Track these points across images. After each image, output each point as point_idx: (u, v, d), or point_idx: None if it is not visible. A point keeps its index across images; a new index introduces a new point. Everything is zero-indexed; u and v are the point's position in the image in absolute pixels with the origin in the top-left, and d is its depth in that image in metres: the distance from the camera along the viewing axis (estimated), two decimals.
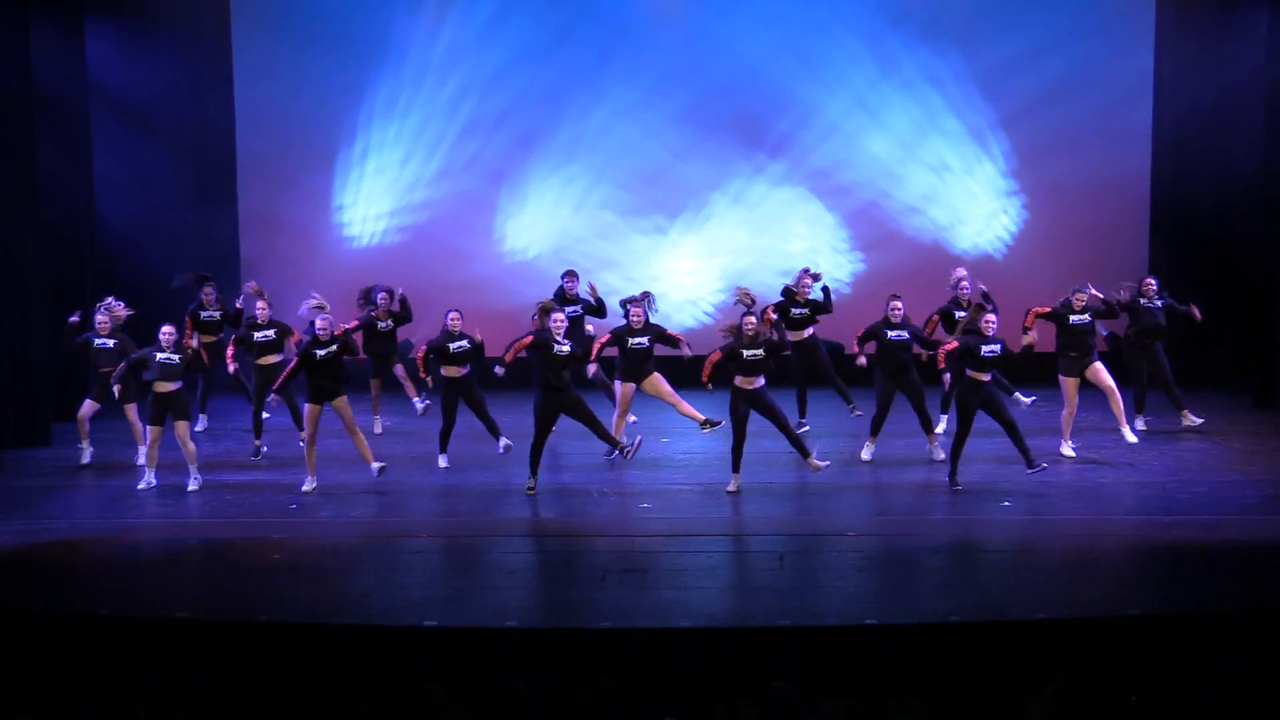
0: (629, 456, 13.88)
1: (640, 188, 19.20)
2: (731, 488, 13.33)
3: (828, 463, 13.62)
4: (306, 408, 13.69)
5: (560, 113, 19.06)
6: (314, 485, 13.68)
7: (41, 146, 16.32)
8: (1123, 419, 14.68)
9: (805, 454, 13.46)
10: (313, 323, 13.71)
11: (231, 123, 19.26)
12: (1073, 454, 14.45)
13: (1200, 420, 15.56)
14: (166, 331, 13.92)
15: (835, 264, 18.93)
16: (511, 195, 19.23)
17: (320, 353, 13.58)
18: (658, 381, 14.44)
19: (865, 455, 14.48)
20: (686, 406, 14.22)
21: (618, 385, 14.77)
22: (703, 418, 13.91)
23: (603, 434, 13.79)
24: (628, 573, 11.16)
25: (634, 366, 14.49)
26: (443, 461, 14.51)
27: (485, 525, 12.77)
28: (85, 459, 14.97)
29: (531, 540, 12.23)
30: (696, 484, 13.92)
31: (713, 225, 19.23)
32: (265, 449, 15.20)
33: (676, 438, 15.63)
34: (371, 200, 19.32)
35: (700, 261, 19.29)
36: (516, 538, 12.42)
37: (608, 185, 19.19)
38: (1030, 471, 13.28)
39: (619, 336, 14.51)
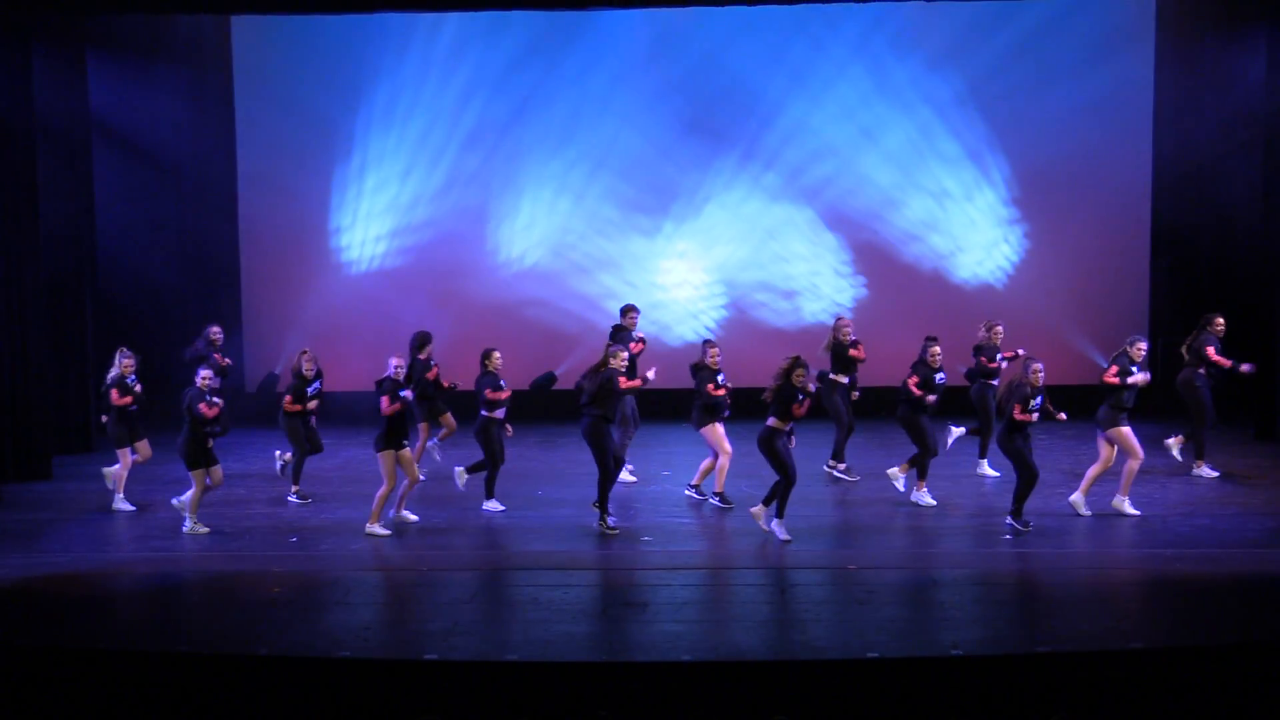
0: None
1: (644, 200, 19.36)
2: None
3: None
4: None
5: (561, 131, 19.23)
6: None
7: (44, 177, 16.36)
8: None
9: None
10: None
11: (233, 152, 19.38)
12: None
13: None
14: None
15: (836, 288, 19.14)
16: (512, 214, 19.40)
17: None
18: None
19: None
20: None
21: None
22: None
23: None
24: (629, 606, 11.13)
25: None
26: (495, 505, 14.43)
27: (485, 559, 12.75)
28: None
29: (532, 574, 12.19)
30: (697, 518, 13.92)
31: (713, 239, 19.45)
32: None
33: (678, 471, 15.64)
34: (371, 221, 19.42)
35: (700, 274, 19.52)
36: (517, 571, 12.38)
37: (611, 197, 19.38)
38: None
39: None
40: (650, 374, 14.36)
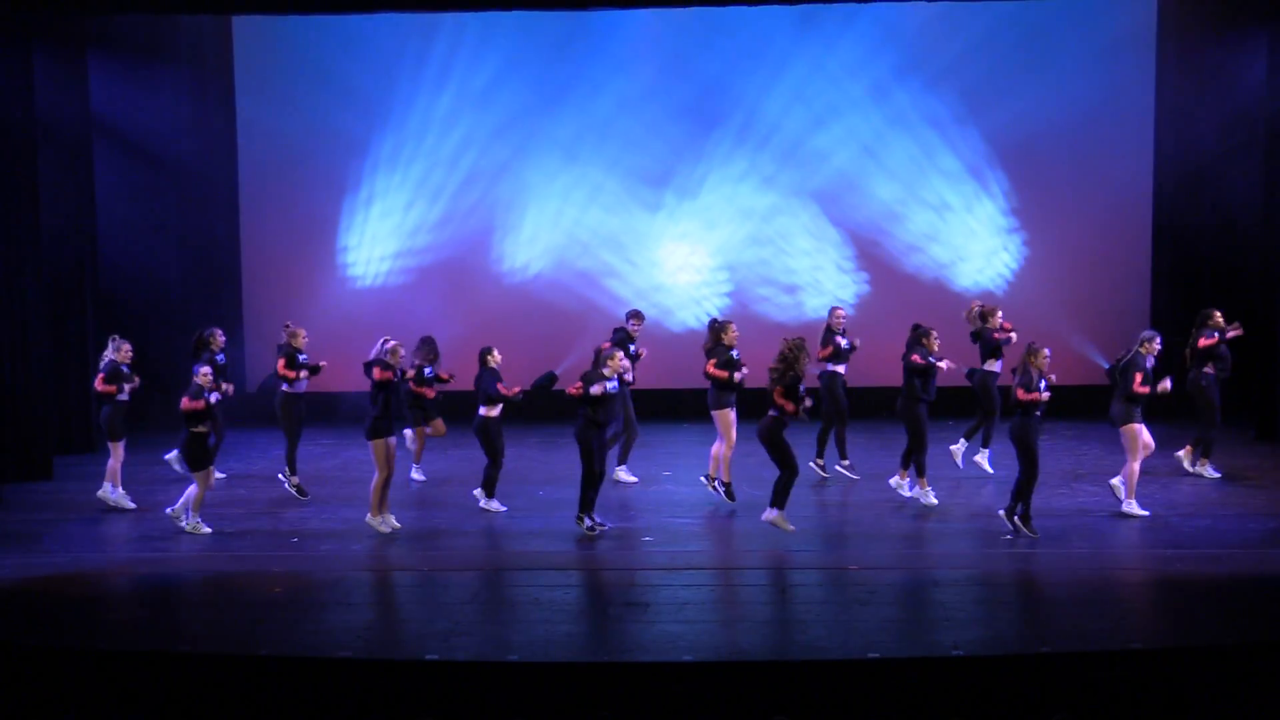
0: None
1: (648, 196, 19.36)
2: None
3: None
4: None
5: (567, 134, 19.22)
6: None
7: (44, 177, 16.35)
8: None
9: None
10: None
11: (234, 152, 19.38)
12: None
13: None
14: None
15: (839, 283, 19.22)
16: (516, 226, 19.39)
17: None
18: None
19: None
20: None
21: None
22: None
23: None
24: (630, 606, 11.13)
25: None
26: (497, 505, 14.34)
27: (487, 560, 12.76)
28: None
29: (533, 574, 12.20)
30: (698, 518, 13.93)
31: (715, 234, 19.44)
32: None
33: (678, 472, 15.64)
34: (372, 219, 19.42)
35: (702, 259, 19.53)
36: (518, 571, 12.39)
37: (622, 179, 19.38)
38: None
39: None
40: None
